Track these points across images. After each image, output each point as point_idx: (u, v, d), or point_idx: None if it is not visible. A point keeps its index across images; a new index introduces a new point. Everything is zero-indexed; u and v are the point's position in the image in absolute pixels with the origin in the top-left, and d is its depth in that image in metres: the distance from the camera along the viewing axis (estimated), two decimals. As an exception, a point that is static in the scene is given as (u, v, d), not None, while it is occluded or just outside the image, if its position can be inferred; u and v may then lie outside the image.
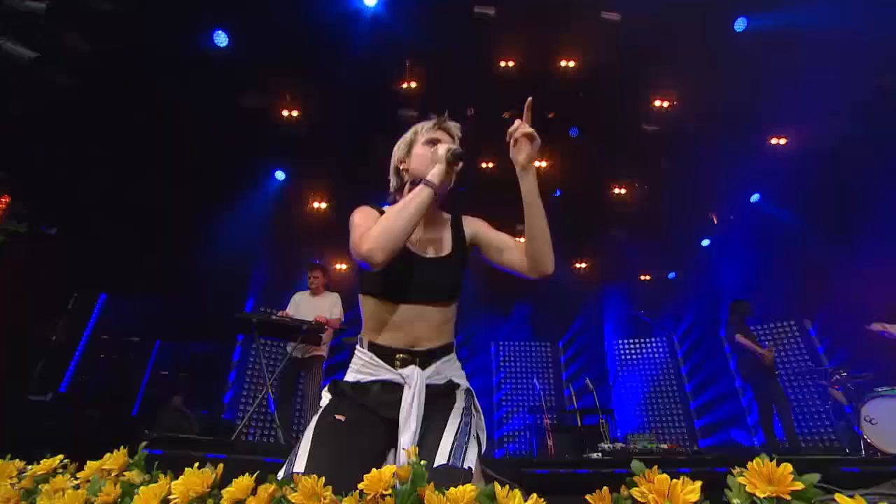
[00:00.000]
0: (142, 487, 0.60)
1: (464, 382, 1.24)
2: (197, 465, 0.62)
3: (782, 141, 6.43)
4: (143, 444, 0.75)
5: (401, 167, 1.37)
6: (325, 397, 1.17)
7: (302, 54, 5.58)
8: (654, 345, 8.37)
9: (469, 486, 0.52)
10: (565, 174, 7.16)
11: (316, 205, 7.40)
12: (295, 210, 7.45)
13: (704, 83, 5.93)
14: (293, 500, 0.55)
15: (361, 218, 1.21)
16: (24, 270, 4.31)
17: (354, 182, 6.78)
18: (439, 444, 0.99)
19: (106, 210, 5.58)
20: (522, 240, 1.31)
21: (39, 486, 0.70)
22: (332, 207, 7.43)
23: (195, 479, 0.59)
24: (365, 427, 1.08)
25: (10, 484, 0.71)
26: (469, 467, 0.95)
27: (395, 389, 1.13)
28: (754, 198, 7.27)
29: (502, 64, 5.87)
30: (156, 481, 0.62)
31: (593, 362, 8.31)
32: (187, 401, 6.02)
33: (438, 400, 1.16)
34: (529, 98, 1.24)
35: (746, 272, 7.43)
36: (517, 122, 1.23)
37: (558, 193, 7.46)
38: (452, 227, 1.36)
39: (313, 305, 4.43)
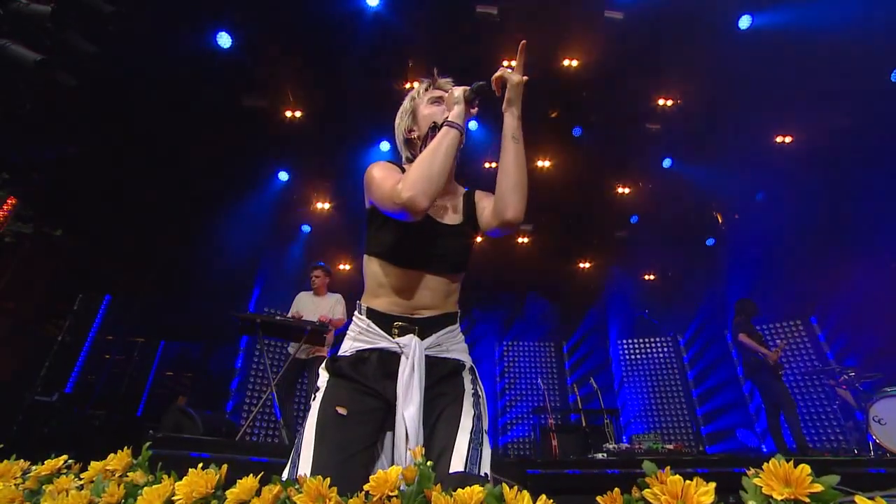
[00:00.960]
0: (145, 488, 0.59)
1: (467, 359, 1.19)
2: (201, 465, 0.61)
3: (787, 139, 6.38)
4: (148, 444, 0.74)
5: (411, 136, 1.33)
6: (323, 377, 1.11)
7: (305, 55, 5.59)
8: (659, 345, 8.33)
9: (477, 488, 0.51)
10: (569, 174, 7.15)
11: (319, 205, 7.41)
12: (298, 211, 7.47)
13: (708, 81, 5.90)
14: (298, 502, 0.54)
15: (382, 170, 1.17)
16: (30, 271, 4.33)
17: (357, 182, 6.79)
18: (454, 444, 0.95)
19: (110, 211, 5.60)
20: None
21: (43, 487, 0.69)
22: (335, 208, 7.44)
23: (199, 479, 0.58)
24: (367, 417, 1.03)
25: (14, 484, 0.71)
26: (486, 473, 0.92)
27: (393, 360, 1.08)
28: (759, 196, 7.22)
29: (505, 63, 5.83)
30: (160, 482, 0.61)
31: (598, 363, 8.28)
32: (191, 402, 6.05)
33: (444, 382, 1.11)
34: (523, 41, 1.21)
35: (751, 271, 7.39)
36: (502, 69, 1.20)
37: (562, 193, 7.41)
38: (465, 198, 1.31)
39: (315, 305, 4.45)
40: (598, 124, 6.66)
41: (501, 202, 1.15)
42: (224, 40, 5.32)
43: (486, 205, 1.26)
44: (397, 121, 1.37)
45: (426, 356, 1.10)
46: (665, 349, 8.29)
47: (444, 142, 1.11)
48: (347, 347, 1.15)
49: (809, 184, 6.44)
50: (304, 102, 6.15)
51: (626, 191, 7.43)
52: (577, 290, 8.66)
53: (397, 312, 1.14)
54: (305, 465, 0.91)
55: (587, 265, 8.52)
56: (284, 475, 0.91)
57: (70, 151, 4.88)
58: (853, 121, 5.82)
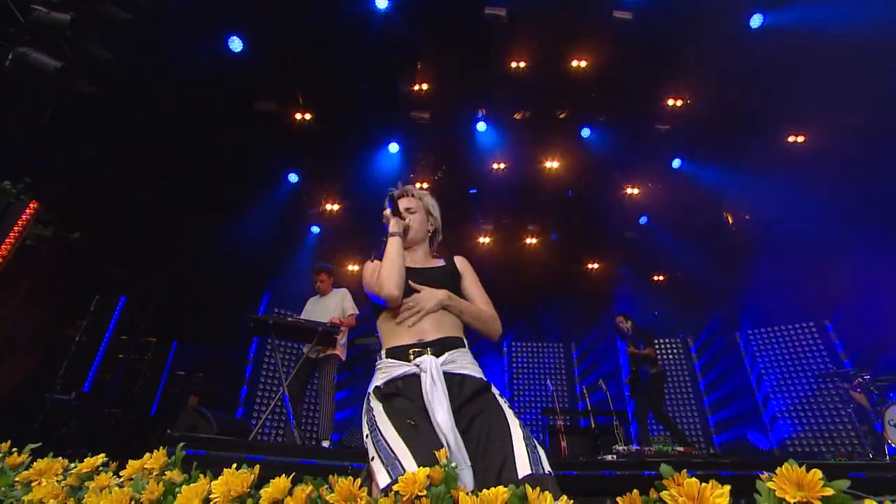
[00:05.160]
0: (184, 486, 0.62)
1: (484, 378, 1.30)
2: (235, 465, 0.64)
3: (800, 138, 6.30)
4: (181, 444, 0.77)
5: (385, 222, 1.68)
6: (376, 405, 1.20)
7: (315, 58, 5.64)
8: (668, 345, 8.28)
9: (501, 489, 0.53)
10: (578, 174, 7.14)
11: (328, 207, 7.47)
12: (308, 212, 7.54)
13: (719, 81, 5.86)
14: (330, 500, 0.57)
15: (369, 269, 1.49)
16: (50, 274, 4.44)
17: (366, 184, 6.87)
18: (514, 452, 1.01)
19: (125, 214, 5.71)
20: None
21: (85, 484, 0.73)
22: (344, 209, 7.49)
23: (235, 479, 0.61)
24: (430, 427, 1.10)
25: (57, 481, 0.74)
26: (549, 471, 0.99)
27: (416, 381, 1.20)
28: (770, 197, 7.13)
29: (513, 65, 5.86)
30: (195, 481, 0.64)
31: (607, 364, 8.25)
32: (203, 401, 6.13)
33: (478, 398, 1.20)
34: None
35: (763, 272, 7.31)
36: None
37: (570, 194, 7.46)
38: (445, 259, 1.62)
39: (322, 307, 4.48)
40: (606, 125, 6.64)
41: (487, 335, 1.48)
42: (236, 45, 5.40)
43: (468, 288, 1.54)
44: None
45: (445, 372, 1.22)
46: (675, 351, 8.23)
47: (389, 248, 1.47)
48: (378, 381, 1.27)
49: (823, 185, 6.36)
50: (313, 105, 6.21)
51: (636, 191, 7.40)
52: (586, 292, 8.63)
53: (410, 342, 1.31)
54: (410, 465, 0.93)
55: (596, 266, 8.49)
56: (381, 482, 0.93)
57: (86, 156, 4.99)
58: (866, 120, 5.73)
